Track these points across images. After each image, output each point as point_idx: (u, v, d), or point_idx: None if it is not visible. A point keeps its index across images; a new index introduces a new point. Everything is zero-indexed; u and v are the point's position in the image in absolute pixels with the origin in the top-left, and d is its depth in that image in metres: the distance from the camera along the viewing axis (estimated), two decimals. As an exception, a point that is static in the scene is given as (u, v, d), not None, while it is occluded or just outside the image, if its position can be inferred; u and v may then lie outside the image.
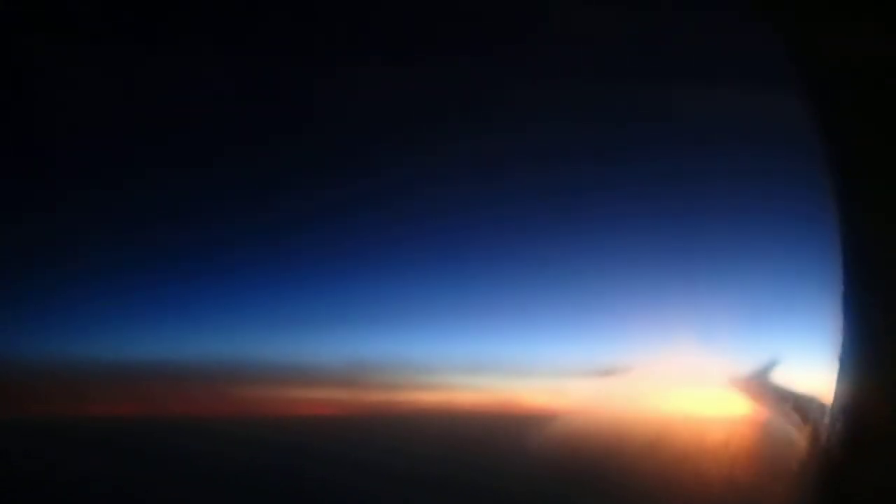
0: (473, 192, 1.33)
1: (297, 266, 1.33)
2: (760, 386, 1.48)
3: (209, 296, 1.30)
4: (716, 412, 1.42)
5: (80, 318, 1.27)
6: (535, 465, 1.32)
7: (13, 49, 1.23)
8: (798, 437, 1.39)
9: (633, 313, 1.30)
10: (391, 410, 1.32)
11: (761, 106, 1.31)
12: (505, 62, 1.31)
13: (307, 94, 1.32)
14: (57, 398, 1.28)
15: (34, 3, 1.21)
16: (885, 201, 1.34)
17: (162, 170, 1.28)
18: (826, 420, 1.35)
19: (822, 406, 1.39)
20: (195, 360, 1.28)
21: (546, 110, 1.32)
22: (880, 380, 1.29)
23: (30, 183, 1.26)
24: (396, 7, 1.30)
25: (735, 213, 1.34)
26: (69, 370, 1.26)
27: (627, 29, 1.29)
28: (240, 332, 1.28)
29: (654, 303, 1.30)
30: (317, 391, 1.30)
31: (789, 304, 1.34)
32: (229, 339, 1.28)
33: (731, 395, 1.47)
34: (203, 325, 1.28)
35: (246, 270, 1.32)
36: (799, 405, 1.44)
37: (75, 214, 1.26)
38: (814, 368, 1.39)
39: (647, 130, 1.33)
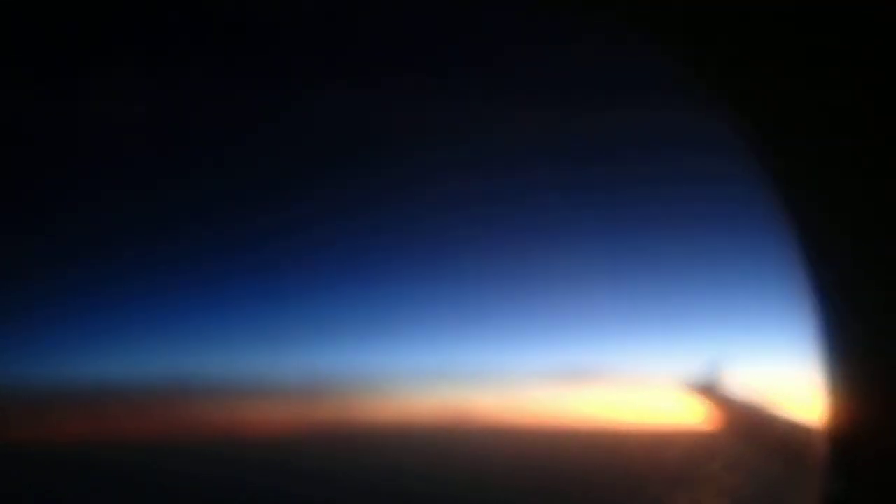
0: (435, 196, 1.31)
1: (260, 282, 1.29)
2: (728, 395, 1.48)
3: (174, 316, 1.25)
4: (684, 422, 1.42)
5: (47, 339, 1.21)
6: (502, 478, 1.30)
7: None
8: (768, 448, 1.40)
9: (601, 318, 1.29)
10: (352, 426, 1.28)
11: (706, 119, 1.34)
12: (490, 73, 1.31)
13: (297, 106, 1.30)
14: (27, 422, 1.21)
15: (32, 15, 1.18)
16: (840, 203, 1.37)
17: (144, 190, 1.24)
18: (801, 434, 1.35)
19: (796, 418, 1.40)
20: (161, 381, 1.22)
21: (513, 119, 1.32)
22: (863, 388, 1.31)
23: (14, 198, 1.21)
24: (389, 19, 1.29)
25: (700, 217, 1.35)
26: (36, 393, 1.20)
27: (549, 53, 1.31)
28: (199, 351, 1.24)
29: (621, 307, 1.29)
30: (274, 408, 1.25)
31: (762, 308, 1.35)
32: (191, 359, 1.23)
33: (701, 403, 1.47)
34: (168, 345, 1.23)
35: (213, 289, 1.28)
36: (769, 418, 1.44)
37: (57, 232, 1.22)
38: (791, 376, 1.40)
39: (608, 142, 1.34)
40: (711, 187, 1.42)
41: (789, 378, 1.44)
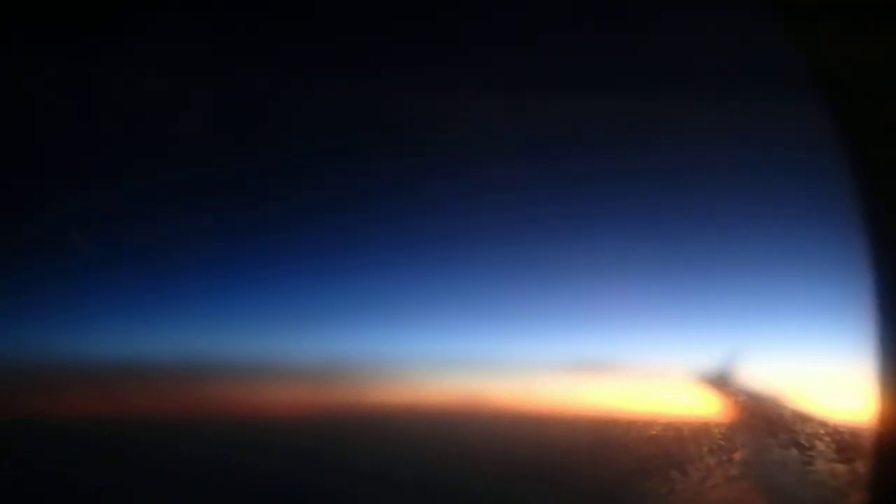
0: (452, 189, 1.30)
1: (275, 267, 1.28)
2: (742, 388, 1.46)
3: (189, 297, 1.26)
4: (696, 413, 1.40)
5: (64, 318, 1.22)
6: (512, 464, 1.29)
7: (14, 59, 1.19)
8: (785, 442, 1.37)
9: (618, 310, 1.28)
10: (369, 409, 1.28)
11: (777, 108, 1.30)
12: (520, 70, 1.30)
13: (302, 100, 1.29)
14: (42, 398, 1.22)
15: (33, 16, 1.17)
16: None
17: (154, 171, 1.24)
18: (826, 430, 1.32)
19: (814, 413, 1.37)
20: (177, 361, 1.23)
21: (530, 116, 1.30)
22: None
23: (26, 185, 1.22)
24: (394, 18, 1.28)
25: (741, 214, 1.32)
26: (53, 370, 1.21)
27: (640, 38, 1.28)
28: (218, 332, 1.24)
29: (641, 299, 1.28)
30: (290, 391, 1.25)
31: (795, 304, 1.33)
32: (209, 340, 1.23)
33: (713, 395, 1.45)
34: (184, 327, 1.23)
35: (228, 272, 1.28)
36: (784, 411, 1.42)
37: (70, 215, 1.22)
38: (817, 371, 1.38)
39: (652, 135, 1.32)
40: (756, 180, 1.38)
41: (815, 373, 1.41)
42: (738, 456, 1.42)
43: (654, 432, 1.33)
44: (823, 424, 1.38)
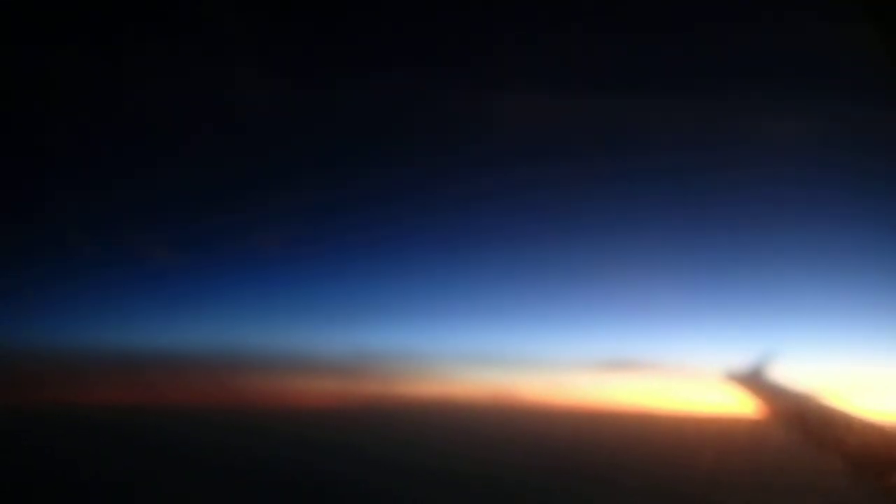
0: (479, 189, 1.31)
1: (301, 261, 1.31)
2: (776, 386, 1.45)
3: (212, 290, 1.29)
4: (728, 411, 1.39)
5: (87, 309, 1.26)
6: (535, 459, 1.30)
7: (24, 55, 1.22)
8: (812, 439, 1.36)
9: (652, 308, 1.28)
10: (394, 403, 1.30)
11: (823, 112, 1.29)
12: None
13: (320, 99, 1.31)
14: (61, 387, 1.27)
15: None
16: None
17: (170, 168, 1.28)
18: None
19: (852, 413, 1.35)
20: (199, 353, 1.26)
21: (553, 117, 1.31)
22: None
23: (33, 179, 1.27)
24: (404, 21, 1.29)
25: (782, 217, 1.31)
26: (73, 360, 1.26)
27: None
28: (243, 325, 1.27)
29: (678, 298, 1.27)
30: (319, 383, 1.27)
31: (832, 304, 1.31)
32: (232, 332, 1.26)
33: (746, 394, 1.44)
34: (206, 319, 1.26)
35: (251, 265, 1.31)
36: (819, 410, 1.40)
37: (80, 209, 1.27)
38: (856, 371, 1.36)
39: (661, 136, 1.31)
40: (794, 182, 1.37)
41: (850, 372, 1.40)
42: (770, 455, 1.40)
43: (685, 431, 1.32)
44: (858, 424, 1.37)
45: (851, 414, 1.91)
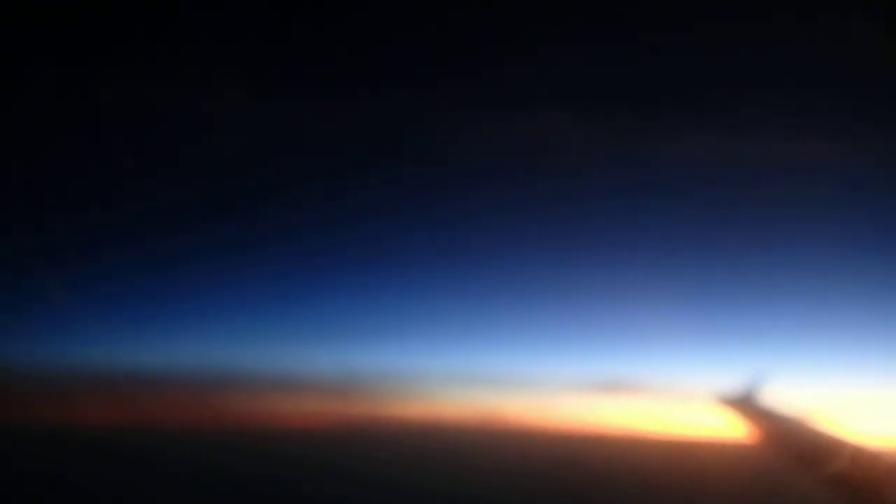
0: (474, 209, 1.33)
1: (292, 282, 1.32)
2: (766, 410, 1.45)
3: (204, 309, 1.29)
4: (717, 434, 1.40)
5: (84, 327, 1.26)
6: (525, 481, 1.30)
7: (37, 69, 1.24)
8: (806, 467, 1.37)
9: (642, 330, 1.28)
10: (385, 423, 1.30)
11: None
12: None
13: (320, 113, 1.33)
14: (55, 406, 1.27)
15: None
16: None
17: (165, 182, 1.29)
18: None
19: (841, 435, 1.36)
20: (191, 372, 1.26)
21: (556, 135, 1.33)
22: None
23: (31, 192, 1.27)
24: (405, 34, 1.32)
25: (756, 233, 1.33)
26: (69, 379, 1.26)
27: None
28: (233, 346, 1.27)
29: (665, 320, 1.28)
30: (311, 403, 1.28)
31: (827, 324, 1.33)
32: (223, 353, 1.26)
33: (736, 417, 1.44)
34: (199, 338, 1.26)
35: (243, 285, 1.32)
36: (809, 433, 1.41)
37: (77, 224, 1.27)
38: (845, 394, 1.37)
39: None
40: (788, 203, 1.39)
41: (841, 395, 1.40)
42: (761, 479, 1.41)
43: (676, 454, 1.33)
44: (849, 448, 1.37)
45: (842, 437, 1.91)
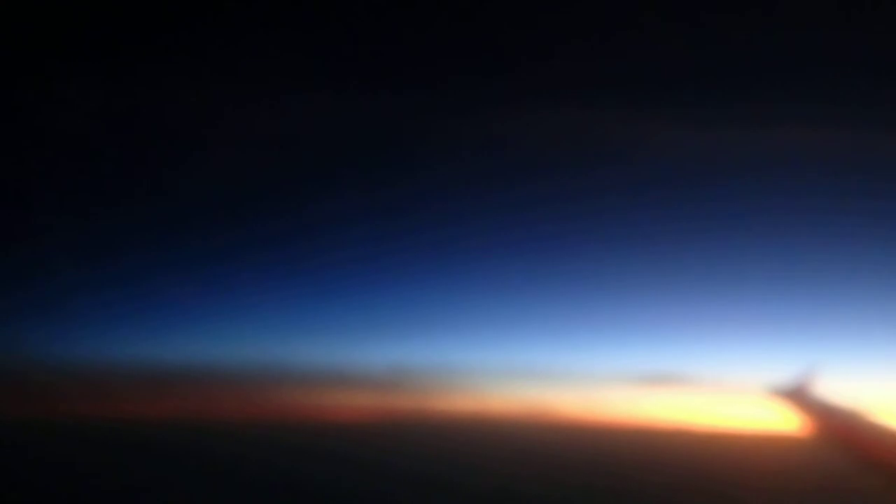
0: (513, 204, 1.30)
1: (331, 276, 1.31)
2: (821, 403, 1.41)
3: (238, 303, 1.29)
4: (770, 427, 1.36)
5: (112, 322, 1.27)
6: (570, 475, 1.28)
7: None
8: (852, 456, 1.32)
9: (694, 323, 1.25)
10: (428, 418, 1.29)
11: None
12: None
13: (331, 112, 1.32)
14: (82, 399, 1.28)
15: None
16: None
17: (192, 182, 1.29)
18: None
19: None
20: (224, 366, 1.27)
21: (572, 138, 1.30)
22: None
23: (38, 190, 1.29)
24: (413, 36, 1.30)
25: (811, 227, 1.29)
26: (101, 373, 1.27)
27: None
28: (271, 338, 1.27)
29: (719, 312, 1.25)
30: (352, 398, 1.27)
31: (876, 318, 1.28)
32: (264, 347, 1.26)
33: (789, 410, 1.40)
34: (232, 332, 1.27)
35: (279, 278, 1.31)
36: (866, 426, 1.36)
37: (95, 218, 1.28)
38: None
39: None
40: (840, 199, 1.34)
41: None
42: (816, 475, 1.37)
43: (726, 448, 1.29)
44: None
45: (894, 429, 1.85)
